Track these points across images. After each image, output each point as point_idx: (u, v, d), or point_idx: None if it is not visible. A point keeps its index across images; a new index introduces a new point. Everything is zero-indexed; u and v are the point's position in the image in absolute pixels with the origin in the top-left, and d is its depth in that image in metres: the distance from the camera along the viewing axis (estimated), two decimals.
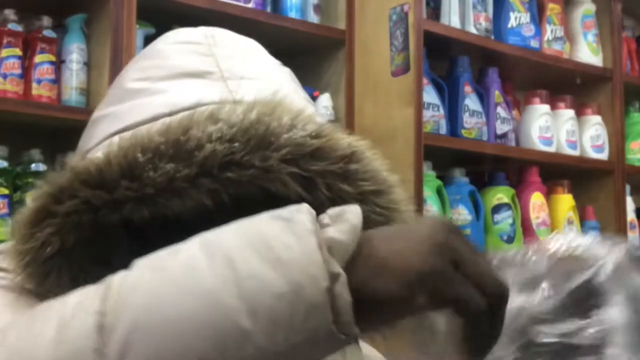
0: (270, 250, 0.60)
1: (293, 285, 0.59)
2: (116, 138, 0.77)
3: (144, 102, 0.81)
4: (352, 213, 0.64)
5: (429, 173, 2.53)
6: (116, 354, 0.59)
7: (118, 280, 0.62)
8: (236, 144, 0.74)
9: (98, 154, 0.76)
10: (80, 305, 0.62)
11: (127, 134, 0.76)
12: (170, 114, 0.77)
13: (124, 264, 0.71)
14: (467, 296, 0.61)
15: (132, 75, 0.85)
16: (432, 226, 0.63)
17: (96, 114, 0.85)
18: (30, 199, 0.75)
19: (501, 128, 2.75)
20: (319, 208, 0.74)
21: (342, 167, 0.78)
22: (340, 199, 0.78)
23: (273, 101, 0.77)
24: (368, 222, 0.77)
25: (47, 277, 0.75)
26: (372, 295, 0.61)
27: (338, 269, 0.60)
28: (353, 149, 0.79)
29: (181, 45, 0.86)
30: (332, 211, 0.64)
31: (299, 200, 0.74)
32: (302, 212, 0.63)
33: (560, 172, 2.99)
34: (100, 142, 0.80)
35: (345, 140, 0.79)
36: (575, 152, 2.99)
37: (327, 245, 0.61)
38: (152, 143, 0.74)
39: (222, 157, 0.74)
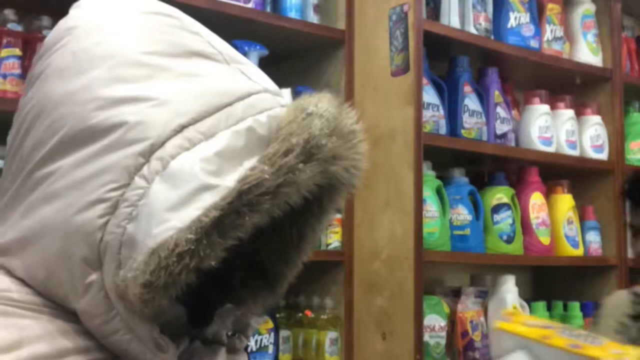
0: None
1: None
2: (191, 131, 0.74)
3: (188, 86, 0.77)
4: None
5: (428, 173, 2.53)
6: None
7: None
8: (341, 141, 0.77)
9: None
10: None
11: (196, 127, 0.75)
12: (230, 104, 0.76)
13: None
14: None
15: (135, 47, 0.78)
16: None
17: (109, 92, 0.76)
18: (204, 209, 0.71)
19: (501, 128, 2.75)
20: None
21: (356, 158, 0.81)
22: (344, 188, 0.82)
23: (335, 100, 0.80)
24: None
25: (149, 302, 0.72)
26: None
27: None
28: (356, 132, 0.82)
29: (158, 17, 0.81)
30: None
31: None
32: None
33: (560, 172, 2.99)
34: (170, 137, 0.74)
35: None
36: (575, 152, 2.99)
37: None
38: (313, 144, 0.75)
39: (330, 150, 0.76)
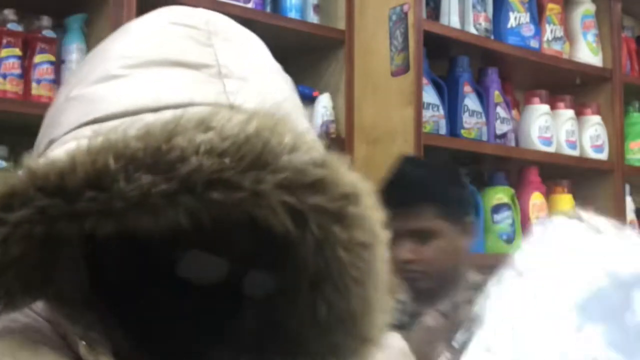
0: None
1: None
2: (87, 130, 0.66)
3: (123, 89, 0.69)
4: None
5: None
6: None
7: None
8: (227, 160, 0.62)
9: (61, 150, 0.65)
10: None
11: (97, 128, 0.66)
12: (154, 110, 0.67)
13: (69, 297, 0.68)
14: None
15: (116, 52, 0.73)
16: None
17: (67, 91, 0.73)
18: None
19: (501, 128, 2.75)
20: (299, 247, 0.67)
21: (339, 207, 0.66)
22: (327, 242, 0.67)
23: (276, 115, 0.65)
24: (345, 277, 0.69)
25: None
26: None
27: None
28: (356, 188, 0.67)
29: (177, 27, 0.74)
30: None
31: (284, 232, 0.64)
32: None
33: (560, 172, 2.99)
34: (68, 132, 0.68)
35: (349, 176, 0.67)
36: (575, 152, 2.99)
37: None
38: (128, 149, 0.62)
39: (209, 173, 0.62)
